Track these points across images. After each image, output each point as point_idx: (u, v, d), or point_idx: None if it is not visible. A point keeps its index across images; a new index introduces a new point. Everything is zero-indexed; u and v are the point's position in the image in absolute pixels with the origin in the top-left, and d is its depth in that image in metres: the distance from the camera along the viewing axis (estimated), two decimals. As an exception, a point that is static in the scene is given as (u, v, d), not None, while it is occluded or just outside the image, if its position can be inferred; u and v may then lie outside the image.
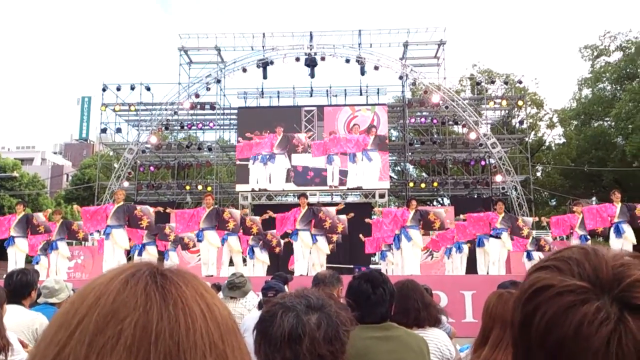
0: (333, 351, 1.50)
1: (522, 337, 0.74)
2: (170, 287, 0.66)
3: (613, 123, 31.12)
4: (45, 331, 0.66)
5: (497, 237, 12.53)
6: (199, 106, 25.59)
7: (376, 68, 24.73)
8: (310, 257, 12.53)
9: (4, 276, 4.53)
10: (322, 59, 24.72)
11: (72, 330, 0.62)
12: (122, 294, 0.64)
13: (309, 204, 13.11)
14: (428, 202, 32.55)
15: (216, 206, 13.94)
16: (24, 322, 3.88)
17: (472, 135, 24.16)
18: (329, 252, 13.26)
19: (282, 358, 1.46)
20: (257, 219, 14.15)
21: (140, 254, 14.21)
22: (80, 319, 0.62)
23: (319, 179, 23.51)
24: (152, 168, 26.43)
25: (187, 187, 25.75)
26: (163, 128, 25.63)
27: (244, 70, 25.18)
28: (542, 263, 0.78)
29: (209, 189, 25.67)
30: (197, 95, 25.29)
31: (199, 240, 12.80)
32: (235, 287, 5.64)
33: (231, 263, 13.37)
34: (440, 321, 3.59)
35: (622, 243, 11.41)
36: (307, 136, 23.32)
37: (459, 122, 25.17)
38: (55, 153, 70.67)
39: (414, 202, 13.39)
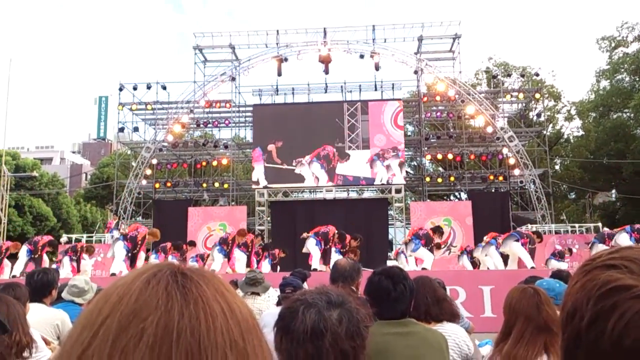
0: (355, 346, 1.51)
1: (590, 334, 0.72)
2: (191, 286, 0.67)
3: (632, 114, 30.73)
4: (70, 331, 0.67)
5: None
6: (214, 104, 25.73)
7: (390, 63, 24.66)
8: None
9: (25, 275, 4.60)
10: (336, 55, 24.68)
11: (95, 329, 0.63)
12: (144, 293, 0.65)
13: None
14: (445, 197, 32.42)
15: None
16: (45, 318, 3.95)
17: (489, 129, 23.98)
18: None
19: (305, 354, 1.47)
20: None
21: None
22: (104, 319, 0.64)
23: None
24: (169, 166, 26.63)
25: (204, 185, 25.90)
26: (179, 125, 25.72)
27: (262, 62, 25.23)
28: (605, 261, 0.77)
29: (226, 186, 25.84)
30: (212, 93, 25.45)
31: None
32: (257, 282, 5.66)
33: None
34: (458, 316, 3.56)
35: None
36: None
37: (476, 116, 25.00)
38: (73, 152, 71.51)
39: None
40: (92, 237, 22.53)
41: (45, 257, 13.88)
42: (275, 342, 1.53)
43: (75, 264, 14.10)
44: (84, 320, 0.66)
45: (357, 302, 1.62)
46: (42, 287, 4.20)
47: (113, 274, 12.03)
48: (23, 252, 13.47)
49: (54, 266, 14.20)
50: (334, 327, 1.48)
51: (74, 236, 21.98)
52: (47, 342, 3.44)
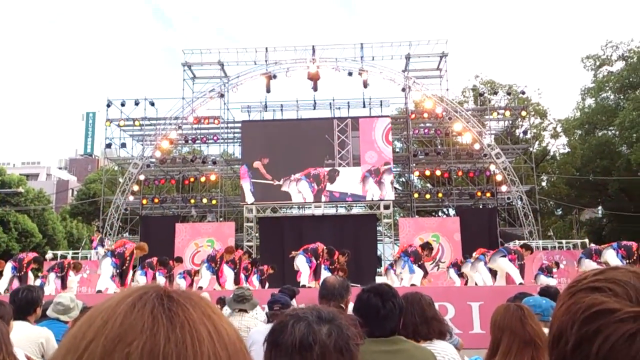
0: None
1: (575, 358, 0.72)
2: (177, 310, 0.66)
3: (617, 132, 31.09)
4: (54, 354, 0.66)
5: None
6: (203, 120, 25.72)
7: (378, 81, 24.80)
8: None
9: (10, 293, 4.53)
10: (325, 72, 24.81)
11: (80, 354, 0.62)
12: (130, 317, 0.64)
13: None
14: (433, 213, 32.49)
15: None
16: (29, 337, 3.90)
17: (476, 146, 24.15)
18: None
19: None
20: None
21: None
22: (88, 343, 0.62)
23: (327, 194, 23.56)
24: (156, 182, 26.47)
25: (192, 201, 25.77)
26: (167, 142, 25.63)
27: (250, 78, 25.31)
28: (590, 283, 0.76)
29: (214, 202, 25.72)
30: (200, 110, 25.45)
31: None
32: (245, 299, 5.61)
33: None
34: (446, 334, 3.54)
35: None
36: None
37: (463, 133, 25.18)
38: (60, 168, 70.95)
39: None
40: (77, 253, 22.29)
41: (30, 274, 13.69)
42: (265, 358, 1.52)
43: (60, 280, 13.94)
44: (68, 343, 0.64)
45: (348, 320, 1.61)
46: (26, 304, 4.14)
47: (99, 291, 11.89)
48: (8, 269, 13.29)
49: (38, 282, 14.06)
50: (322, 341, 1.47)
51: (59, 252, 21.73)
52: (30, 362, 3.38)
